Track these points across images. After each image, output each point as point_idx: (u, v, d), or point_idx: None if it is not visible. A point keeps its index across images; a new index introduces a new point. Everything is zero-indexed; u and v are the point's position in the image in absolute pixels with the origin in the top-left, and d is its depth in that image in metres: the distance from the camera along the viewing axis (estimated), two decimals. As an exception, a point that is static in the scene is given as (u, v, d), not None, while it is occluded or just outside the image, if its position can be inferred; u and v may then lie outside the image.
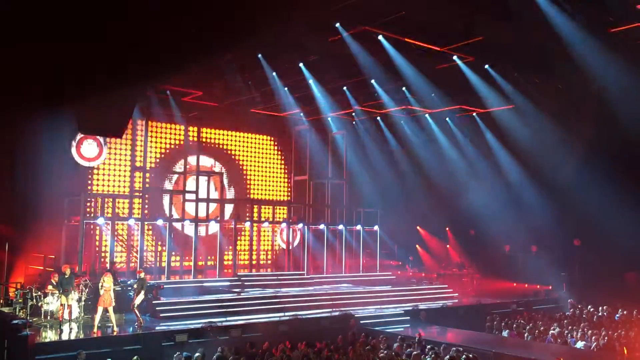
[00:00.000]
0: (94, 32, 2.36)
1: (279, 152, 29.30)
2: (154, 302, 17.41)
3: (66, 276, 15.28)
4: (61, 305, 15.24)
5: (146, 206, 23.83)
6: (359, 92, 23.23)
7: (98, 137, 22.17)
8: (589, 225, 23.07)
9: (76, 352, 12.19)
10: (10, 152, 19.86)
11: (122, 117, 4.53)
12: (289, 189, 29.48)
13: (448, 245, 29.80)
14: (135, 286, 16.11)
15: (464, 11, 15.74)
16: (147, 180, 24.35)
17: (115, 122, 4.53)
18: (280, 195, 29.03)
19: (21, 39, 2.31)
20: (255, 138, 28.43)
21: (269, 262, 27.75)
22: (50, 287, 16.31)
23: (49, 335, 14.58)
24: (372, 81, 21.78)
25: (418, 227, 30.13)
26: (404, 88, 22.48)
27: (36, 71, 2.41)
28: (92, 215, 21.38)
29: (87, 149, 22.57)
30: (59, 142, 21.58)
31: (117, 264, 21.81)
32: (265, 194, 28.62)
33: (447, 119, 26.51)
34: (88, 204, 21.72)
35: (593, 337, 15.87)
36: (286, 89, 22.51)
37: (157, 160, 24.93)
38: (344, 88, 22.81)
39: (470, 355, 12.65)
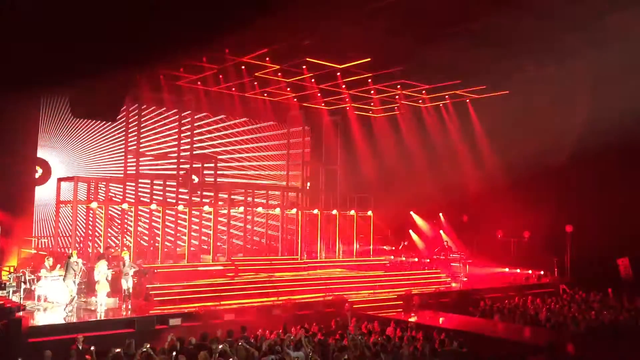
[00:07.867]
0: (90, 21, 2.34)
1: (275, 138, 29.18)
2: (147, 286, 17.41)
3: (72, 259, 15.28)
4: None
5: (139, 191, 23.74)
6: (354, 78, 22.98)
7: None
8: (582, 211, 23.23)
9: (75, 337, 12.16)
10: (4, 134, 19.68)
11: (115, 101, 4.48)
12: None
13: (441, 231, 29.86)
14: (121, 269, 16.05)
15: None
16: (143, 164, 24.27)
17: (109, 106, 4.48)
18: (275, 180, 28.96)
19: (24, 31, 2.31)
20: (250, 123, 28.24)
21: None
22: (43, 270, 16.29)
23: (42, 319, 14.58)
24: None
25: (412, 212, 30.17)
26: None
27: (34, 58, 2.41)
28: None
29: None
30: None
31: (111, 248, 21.73)
32: (261, 179, 28.52)
33: (441, 104, 26.48)
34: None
35: (584, 322, 16.06)
36: (279, 74, 22.34)
37: (150, 144, 24.79)
38: (338, 74, 22.63)
39: (462, 340, 12.78)
